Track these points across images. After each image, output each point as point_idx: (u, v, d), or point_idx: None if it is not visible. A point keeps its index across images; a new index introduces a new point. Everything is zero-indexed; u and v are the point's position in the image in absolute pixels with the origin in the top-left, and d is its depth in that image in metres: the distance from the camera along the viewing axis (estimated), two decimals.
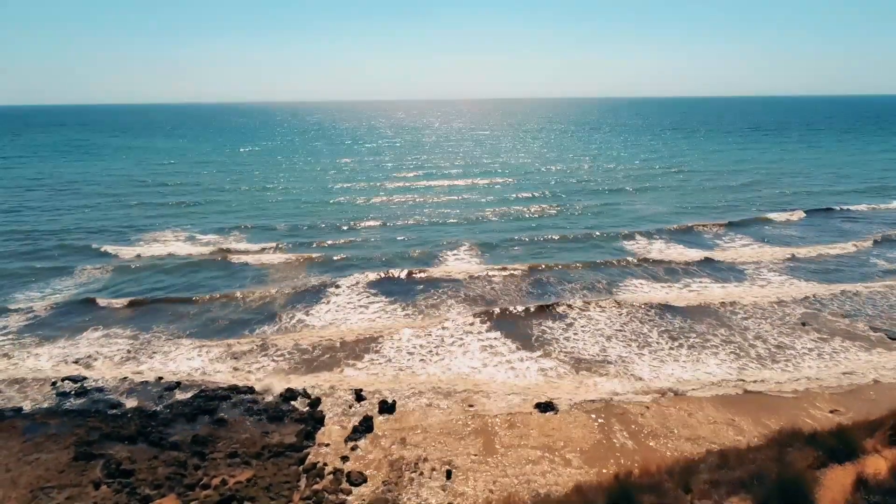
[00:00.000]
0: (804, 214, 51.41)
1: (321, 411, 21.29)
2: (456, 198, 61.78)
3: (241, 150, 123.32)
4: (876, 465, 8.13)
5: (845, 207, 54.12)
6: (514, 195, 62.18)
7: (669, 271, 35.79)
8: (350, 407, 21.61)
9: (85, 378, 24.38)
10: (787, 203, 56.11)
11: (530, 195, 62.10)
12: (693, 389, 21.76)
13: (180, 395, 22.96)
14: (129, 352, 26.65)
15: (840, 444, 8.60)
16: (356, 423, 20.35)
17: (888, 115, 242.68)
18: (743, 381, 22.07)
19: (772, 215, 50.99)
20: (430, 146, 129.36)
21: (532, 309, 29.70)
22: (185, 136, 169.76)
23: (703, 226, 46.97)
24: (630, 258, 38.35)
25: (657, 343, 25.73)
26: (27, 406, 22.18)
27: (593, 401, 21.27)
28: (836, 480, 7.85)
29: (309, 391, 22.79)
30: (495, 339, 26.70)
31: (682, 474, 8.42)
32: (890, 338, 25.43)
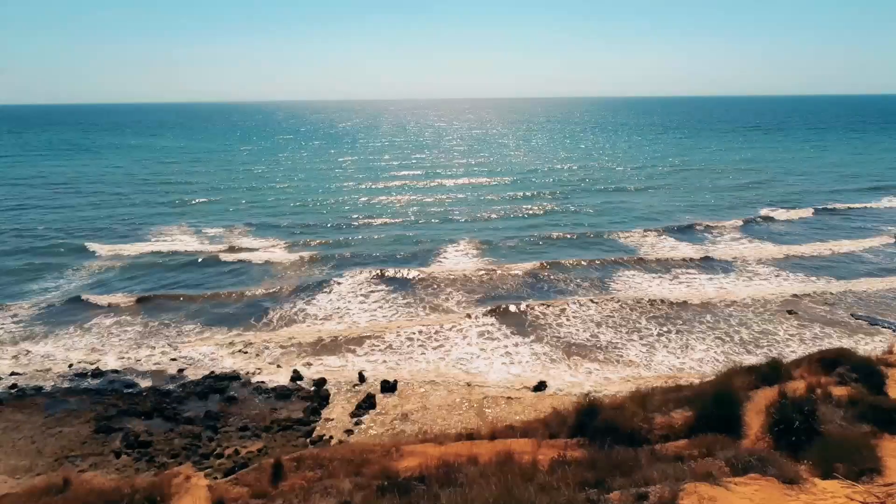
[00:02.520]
0: (805, 213, 52.59)
1: (326, 390, 22.64)
2: (457, 196, 63.15)
3: (242, 148, 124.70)
4: (797, 385, 9.55)
5: (849, 206, 55.24)
6: (516, 193, 63.55)
7: (669, 270, 36.88)
8: (354, 387, 22.96)
9: (99, 360, 25.70)
10: (789, 202, 57.25)
11: (532, 193, 63.46)
12: (679, 371, 23.07)
13: (192, 377, 24.30)
14: (139, 339, 27.98)
15: (773, 373, 10.08)
16: (360, 401, 21.70)
17: (893, 114, 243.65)
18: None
19: (774, 214, 52.20)
20: (431, 145, 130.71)
21: (530, 302, 30.97)
22: (185, 135, 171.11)
23: (703, 225, 47.94)
24: (631, 256, 39.23)
25: (649, 333, 27.01)
26: (47, 385, 23.46)
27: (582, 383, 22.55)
28: (762, 396, 9.29)
29: (314, 373, 24.11)
30: (493, 326, 28.04)
31: (641, 398, 9.90)
32: (871, 324, 26.72)
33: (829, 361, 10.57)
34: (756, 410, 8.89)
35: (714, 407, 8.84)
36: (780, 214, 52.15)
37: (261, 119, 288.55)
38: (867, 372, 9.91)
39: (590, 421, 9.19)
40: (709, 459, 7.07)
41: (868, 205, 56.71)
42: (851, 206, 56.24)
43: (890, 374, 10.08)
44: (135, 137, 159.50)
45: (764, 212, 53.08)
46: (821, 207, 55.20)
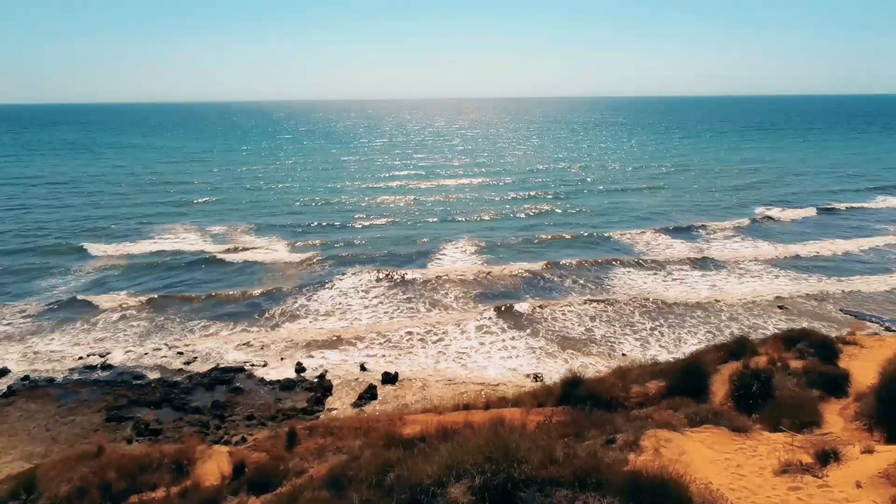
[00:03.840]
0: (804, 213, 53.37)
1: (329, 381, 23.56)
2: (457, 195, 64.07)
3: (242, 147, 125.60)
4: (760, 359, 10.49)
5: (849, 206, 56.05)
6: (517, 194, 64.46)
7: (665, 269, 37.65)
8: (356, 378, 23.87)
9: (108, 354, 26.55)
10: (788, 202, 58.05)
11: (532, 193, 64.36)
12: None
13: (198, 369, 25.14)
14: (145, 334, 28.86)
15: (740, 349, 11.04)
16: (362, 392, 22.60)
17: (894, 114, 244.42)
18: None
19: (773, 213, 52.98)
20: (432, 145, 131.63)
21: (528, 299, 31.85)
22: (185, 134, 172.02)
23: (701, 224, 48.66)
24: (628, 256, 39.96)
25: (643, 328, 27.91)
26: (58, 377, 24.32)
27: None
28: (729, 368, 10.29)
29: (317, 366, 25.00)
30: (491, 322, 28.96)
31: (621, 373, 10.87)
32: (859, 318, 27.58)
33: (793, 339, 11.53)
34: (722, 381, 9.86)
35: (684, 377, 9.79)
36: (780, 214, 52.95)
37: (261, 119, 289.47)
38: (823, 347, 10.87)
39: (574, 391, 10.11)
40: (671, 412, 7.96)
41: (868, 205, 57.51)
42: (851, 205, 57.00)
43: (844, 350, 11.04)
44: (135, 137, 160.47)
45: (763, 212, 53.84)
46: (821, 207, 55.93)
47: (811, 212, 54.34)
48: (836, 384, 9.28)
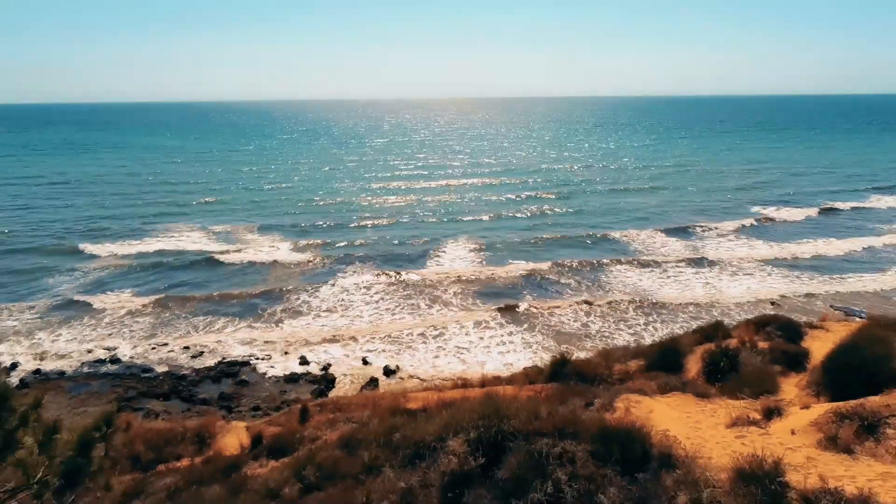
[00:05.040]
0: (805, 213, 54.09)
1: (332, 374, 24.48)
2: (457, 195, 64.99)
3: (243, 147, 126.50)
4: (732, 341, 11.38)
5: (849, 206, 56.81)
6: (518, 195, 65.37)
7: (662, 268, 38.44)
8: (358, 372, 24.82)
9: (116, 348, 27.44)
10: (789, 202, 58.79)
11: (532, 194, 65.28)
12: None
13: (205, 363, 26.02)
14: (152, 330, 29.76)
15: (715, 332, 11.96)
16: (363, 383, 23.51)
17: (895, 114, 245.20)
18: None
19: (773, 214, 53.73)
20: (433, 145, 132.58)
21: (527, 297, 32.74)
22: (186, 134, 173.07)
23: (700, 224, 49.42)
24: (627, 256, 40.75)
25: (636, 323, 28.82)
26: (69, 370, 25.18)
27: None
28: (703, 348, 11.23)
29: (320, 360, 25.88)
30: (490, 318, 29.86)
31: (605, 354, 11.79)
32: (847, 314, 28.41)
33: (763, 324, 12.45)
34: (696, 359, 10.80)
35: (661, 356, 10.71)
36: (779, 214, 53.62)
37: (261, 119, 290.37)
38: (789, 330, 11.80)
39: (562, 370, 11.00)
40: (645, 381, 8.85)
41: (868, 205, 58.16)
42: (851, 205, 57.63)
43: (810, 333, 11.97)
44: (136, 137, 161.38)
45: (762, 212, 54.51)
46: (821, 208, 56.54)
47: (810, 212, 55.02)
48: (797, 360, 10.24)
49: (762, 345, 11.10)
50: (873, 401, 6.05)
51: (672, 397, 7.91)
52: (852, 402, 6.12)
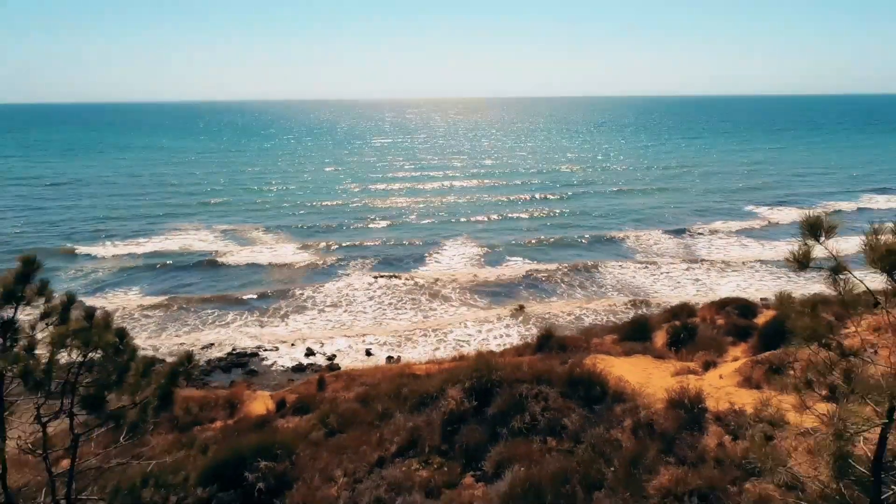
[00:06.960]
0: (804, 214, 54.68)
1: (337, 364, 25.95)
2: (458, 195, 66.54)
3: (245, 147, 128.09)
4: (695, 319, 12.91)
5: (850, 206, 57.99)
6: (518, 195, 66.84)
7: (661, 266, 39.70)
8: (362, 362, 26.18)
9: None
10: (789, 202, 59.89)
11: (534, 194, 66.73)
12: None
13: (215, 354, 27.53)
14: (161, 325, 31.34)
15: (682, 311, 13.49)
16: None
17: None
18: None
19: (774, 214, 54.90)
20: (434, 145, 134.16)
21: (526, 295, 34.15)
22: (187, 134, 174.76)
23: (700, 225, 50.60)
24: (626, 256, 42.06)
25: (628, 318, 30.28)
26: None
27: None
28: (670, 324, 12.76)
29: (326, 351, 27.41)
30: (489, 314, 31.31)
31: (585, 330, 13.29)
32: None
33: (725, 304, 14.02)
34: (663, 333, 12.33)
35: (633, 330, 12.28)
36: (779, 215, 54.57)
37: (263, 119, 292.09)
38: (745, 309, 13.34)
39: (547, 343, 12.50)
40: (612, 347, 10.36)
41: (868, 205, 59.24)
42: (851, 206, 58.56)
43: (763, 312, 13.49)
44: (138, 137, 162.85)
45: (762, 212, 55.57)
46: (820, 208, 57.54)
47: (809, 212, 55.73)
48: (747, 332, 11.75)
49: (720, 321, 12.65)
50: (781, 351, 7.53)
51: (634, 358, 9.42)
52: (766, 353, 7.60)
